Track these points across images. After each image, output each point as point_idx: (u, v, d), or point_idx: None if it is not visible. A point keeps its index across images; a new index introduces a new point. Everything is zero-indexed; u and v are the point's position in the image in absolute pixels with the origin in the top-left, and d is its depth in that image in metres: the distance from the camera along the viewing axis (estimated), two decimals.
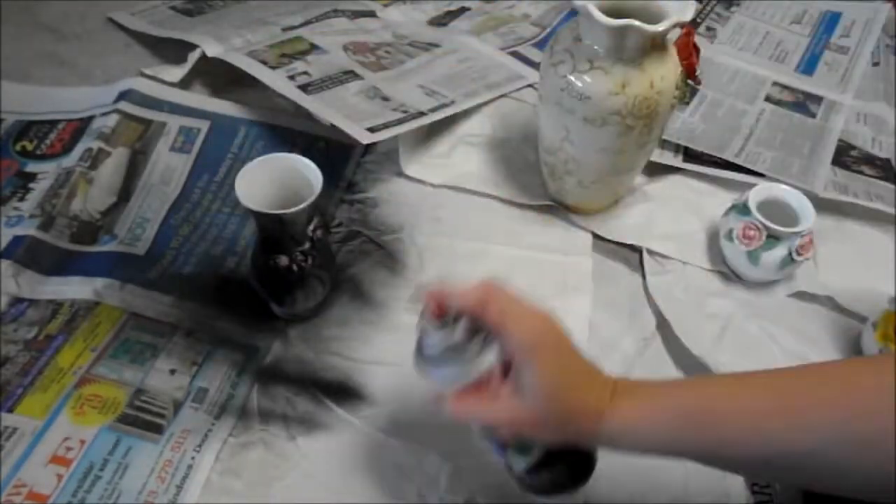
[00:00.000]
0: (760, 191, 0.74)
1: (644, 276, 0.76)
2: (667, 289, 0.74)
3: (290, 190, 0.61)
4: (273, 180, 0.61)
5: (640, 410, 0.45)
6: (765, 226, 0.71)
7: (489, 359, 0.47)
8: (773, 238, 0.71)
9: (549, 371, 0.45)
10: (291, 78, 0.83)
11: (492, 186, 0.83)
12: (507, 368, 0.47)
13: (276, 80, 0.83)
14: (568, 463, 0.50)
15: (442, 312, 0.47)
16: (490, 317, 0.45)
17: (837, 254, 0.79)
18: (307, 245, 0.62)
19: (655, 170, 0.85)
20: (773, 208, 0.73)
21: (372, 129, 0.78)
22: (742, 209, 0.73)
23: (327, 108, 0.80)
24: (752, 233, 0.71)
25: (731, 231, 0.73)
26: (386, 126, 0.79)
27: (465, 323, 0.46)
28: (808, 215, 0.72)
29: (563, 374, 0.46)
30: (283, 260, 0.62)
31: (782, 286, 0.75)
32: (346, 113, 0.80)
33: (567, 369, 0.47)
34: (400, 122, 0.81)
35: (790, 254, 0.71)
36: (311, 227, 0.62)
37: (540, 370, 0.45)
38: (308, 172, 0.61)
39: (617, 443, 0.46)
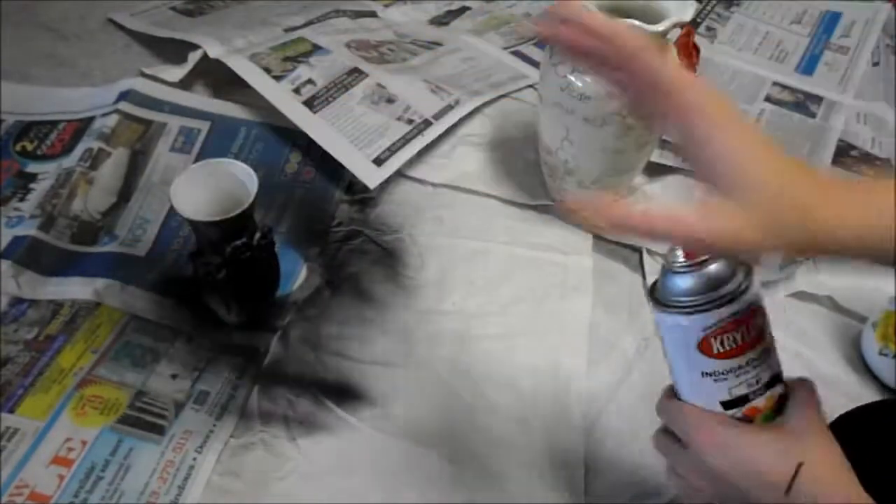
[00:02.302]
0: None
1: (644, 276, 0.76)
2: None
3: (232, 198, 0.60)
4: (215, 186, 0.61)
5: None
6: None
7: (755, 293, 0.42)
8: None
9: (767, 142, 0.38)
10: (297, 91, 0.83)
11: (492, 186, 0.83)
12: (765, 315, 0.43)
13: (281, 98, 0.82)
14: None
15: (693, 252, 0.42)
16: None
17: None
18: (218, 259, 0.61)
19: (655, 170, 0.85)
20: None
21: (378, 160, 0.79)
22: None
23: (333, 132, 0.80)
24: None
25: None
26: (392, 151, 0.80)
27: (726, 263, 0.42)
28: None
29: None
30: (199, 264, 0.62)
31: (782, 286, 0.75)
32: (351, 135, 0.80)
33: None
34: (405, 138, 0.81)
35: None
36: (239, 241, 0.60)
37: (761, 150, 0.39)
38: (249, 185, 0.60)
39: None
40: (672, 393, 0.46)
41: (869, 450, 0.50)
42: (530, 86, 0.94)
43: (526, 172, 0.84)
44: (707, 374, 0.43)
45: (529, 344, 0.70)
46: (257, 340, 0.67)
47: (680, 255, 0.42)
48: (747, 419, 0.43)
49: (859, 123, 0.95)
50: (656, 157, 0.84)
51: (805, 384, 0.44)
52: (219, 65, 0.86)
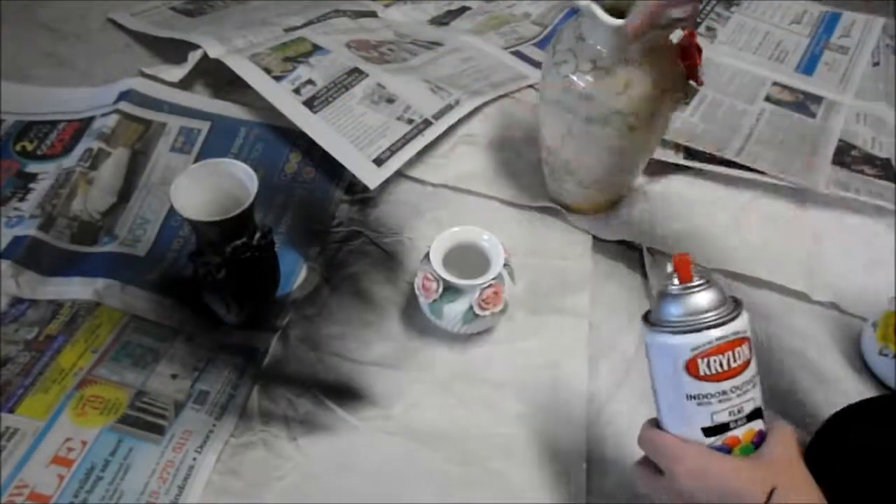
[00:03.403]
0: (453, 235, 0.67)
1: (646, 277, 0.76)
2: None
3: (231, 198, 0.60)
4: (215, 186, 0.61)
5: None
6: (441, 278, 0.64)
7: (743, 322, 0.45)
8: (453, 290, 0.64)
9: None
10: (297, 91, 0.83)
11: (492, 187, 0.83)
12: (751, 346, 0.45)
13: (282, 99, 0.83)
14: None
15: (687, 276, 0.46)
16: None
17: (838, 253, 0.79)
18: (218, 259, 0.61)
19: (656, 169, 0.85)
20: (472, 254, 0.67)
21: (378, 160, 0.79)
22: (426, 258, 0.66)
23: (334, 133, 0.80)
24: (429, 283, 0.65)
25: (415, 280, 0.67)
26: (392, 151, 0.80)
27: (719, 288, 0.45)
28: (497, 264, 0.65)
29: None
30: (199, 264, 0.62)
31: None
32: (352, 136, 0.80)
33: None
34: (405, 139, 0.81)
35: (471, 308, 0.64)
36: (239, 241, 0.60)
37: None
38: (249, 185, 0.60)
39: None
40: (653, 424, 0.48)
41: (867, 443, 0.50)
42: (530, 86, 0.94)
43: (526, 173, 0.84)
44: (691, 396, 0.45)
45: (529, 344, 0.70)
46: (257, 340, 0.67)
47: (675, 280, 0.46)
48: (726, 449, 0.45)
49: (859, 123, 0.95)
50: (658, 154, 0.84)
51: (784, 425, 0.46)
52: (219, 65, 0.86)
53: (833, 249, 0.79)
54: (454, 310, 0.65)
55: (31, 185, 0.77)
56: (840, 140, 0.91)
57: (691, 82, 0.68)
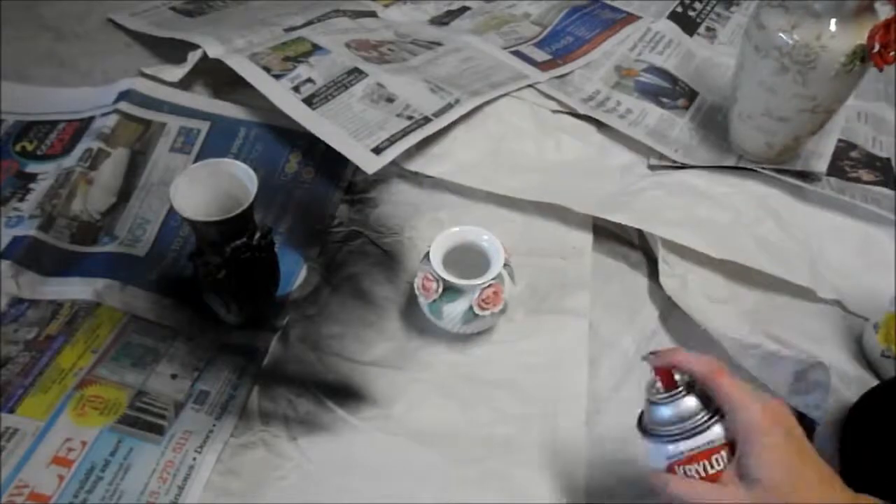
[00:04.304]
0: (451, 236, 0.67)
1: (645, 276, 0.76)
2: (679, 286, 0.74)
3: (231, 198, 0.60)
4: (215, 186, 0.61)
5: None
6: (441, 278, 0.64)
7: (717, 432, 0.45)
8: (453, 290, 0.64)
9: (777, 460, 0.42)
10: (296, 89, 0.83)
11: (492, 183, 0.82)
12: (732, 450, 0.45)
13: (281, 96, 0.82)
14: None
15: (670, 384, 0.47)
16: (724, 387, 0.44)
17: (839, 253, 0.79)
18: (218, 259, 0.61)
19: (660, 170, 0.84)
20: (472, 254, 0.67)
21: (377, 149, 0.78)
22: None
23: (332, 126, 0.80)
24: (429, 283, 0.65)
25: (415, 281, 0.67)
26: (391, 141, 0.79)
27: (698, 393, 0.46)
28: (497, 265, 0.65)
29: (792, 468, 0.43)
30: (199, 264, 0.62)
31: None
32: (351, 128, 0.80)
33: (797, 464, 0.43)
34: (405, 132, 0.81)
35: (471, 308, 0.64)
36: (239, 241, 0.60)
37: (767, 458, 0.42)
38: (249, 185, 0.60)
39: None
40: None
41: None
42: (530, 85, 0.94)
43: (526, 170, 0.84)
44: None
45: (529, 344, 0.70)
46: (257, 340, 0.67)
47: (658, 386, 0.47)
48: None
49: (859, 123, 0.95)
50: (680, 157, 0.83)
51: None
52: (218, 65, 0.86)
53: (834, 249, 0.79)
54: (454, 310, 0.65)
55: (31, 186, 0.77)
56: (840, 140, 0.90)
57: (871, 62, 0.71)
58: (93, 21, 1.00)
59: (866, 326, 0.70)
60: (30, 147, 0.82)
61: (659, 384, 0.47)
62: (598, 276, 0.76)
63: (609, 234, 0.80)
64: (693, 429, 0.45)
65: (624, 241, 0.80)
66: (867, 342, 0.69)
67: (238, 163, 0.61)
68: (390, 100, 0.85)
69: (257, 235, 0.62)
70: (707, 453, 0.45)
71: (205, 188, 0.61)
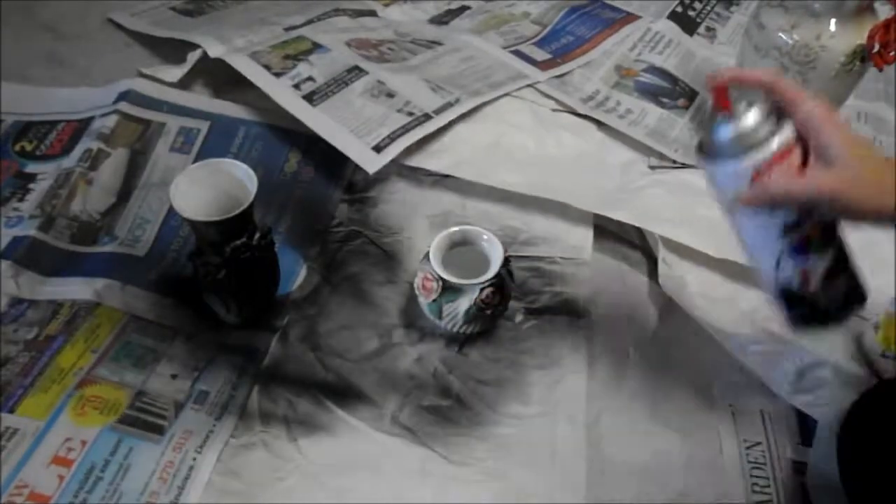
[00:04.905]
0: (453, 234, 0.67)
1: (646, 276, 0.76)
2: (679, 286, 0.74)
3: (231, 198, 0.60)
4: (215, 186, 0.61)
5: None
6: (441, 277, 0.64)
7: (787, 133, 0.46)
8: (453, 290, 0.64)
9: (847, 136, 0.45)
10: (297, 87, 0.83)
11: (491, 177, 0.82)
12: (803, 147, 0.47)
13: (281, 93, 0.83)
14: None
15: (728, 104, 0.47)
16: (782, 86, 0.46)
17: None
18: (218, 259, 0.61)
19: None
20: (472, 254, 0.67)
21: (378, 147, 0.78)
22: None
23: (332, 122, 0.80)
24: (429, 283, 0.65)
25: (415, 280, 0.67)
26: (392, 139, 0.79)
27: (760, 106, 0.47)
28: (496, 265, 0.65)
29: (860, 140, 0.46)
30: (199, 264, 0.62)
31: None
32: (351, 125, 0.80)
33: (863, 139, 0.47)
34: (405, 128, 0.81)
35: (471, 307, 0.64)
36: (239, 241, 0.60)
37: (843, 133, 0.45)
38: (249, 185, 0.60)
39: None
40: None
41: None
42: (529, 85, 0.94)
43: (525, 166, 0.84)
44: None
45: (529, 344, 0.70)
46: (257, 340, 0.67)
47: (721, 108, 0.47)
48: (803, 248, 0.49)
49: (859, 123, 0.95)
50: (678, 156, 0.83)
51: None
52: (218, 65, 0.86)
53: None
54: (454, 310, 0.65)
55: (31, 186, 0.77)
56: None
57: (870, 62, 0.71)
58: (92, 21, 1.00)
59: (866, 326, 0.70)
60: (29, 147, 0.81)
61: (719, 106, 0.47)
62: (598, 276, 0.76)
63: (609, 234, 0.80)
64: (765, 136, 0.46)
65: (624, 241, 0.80)
66: (867, 342, 0.69)
67: (238, 163, 0.61)
68: (391, 95, 0.85)
69: (257, 235, 0.62)
70: (783, 155, 0.46)
71: (204, 188, 0.61)
